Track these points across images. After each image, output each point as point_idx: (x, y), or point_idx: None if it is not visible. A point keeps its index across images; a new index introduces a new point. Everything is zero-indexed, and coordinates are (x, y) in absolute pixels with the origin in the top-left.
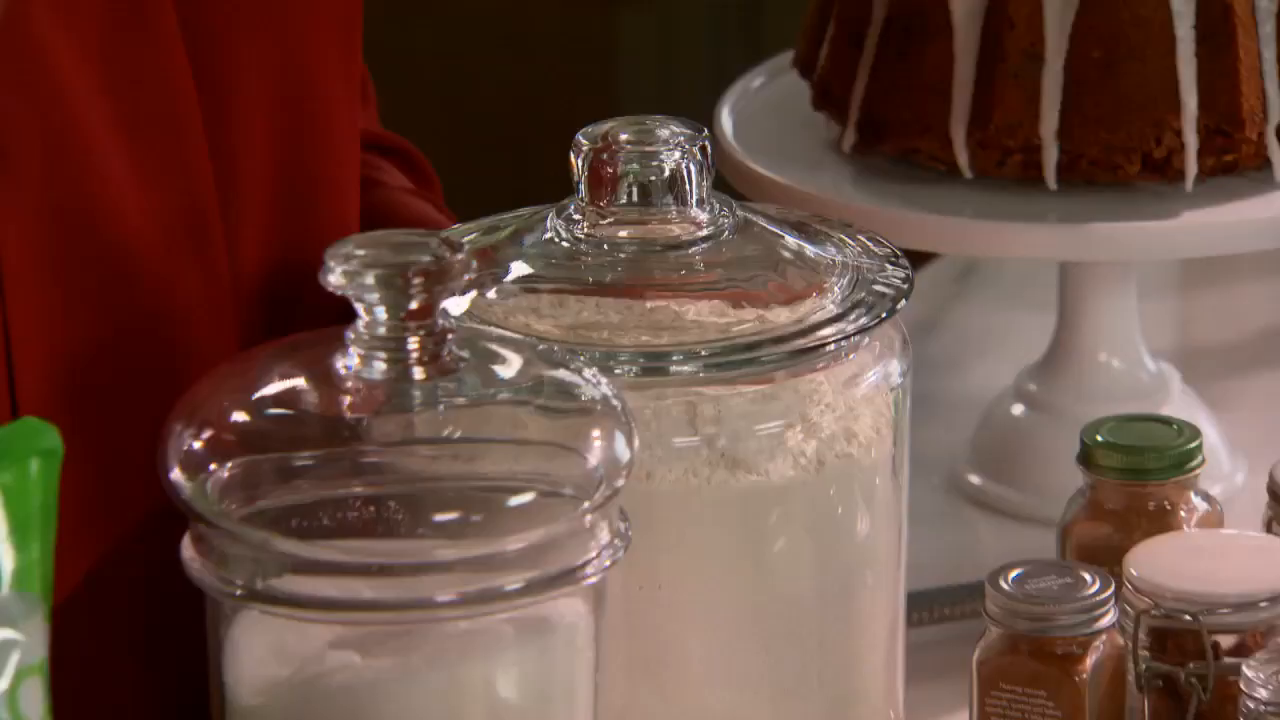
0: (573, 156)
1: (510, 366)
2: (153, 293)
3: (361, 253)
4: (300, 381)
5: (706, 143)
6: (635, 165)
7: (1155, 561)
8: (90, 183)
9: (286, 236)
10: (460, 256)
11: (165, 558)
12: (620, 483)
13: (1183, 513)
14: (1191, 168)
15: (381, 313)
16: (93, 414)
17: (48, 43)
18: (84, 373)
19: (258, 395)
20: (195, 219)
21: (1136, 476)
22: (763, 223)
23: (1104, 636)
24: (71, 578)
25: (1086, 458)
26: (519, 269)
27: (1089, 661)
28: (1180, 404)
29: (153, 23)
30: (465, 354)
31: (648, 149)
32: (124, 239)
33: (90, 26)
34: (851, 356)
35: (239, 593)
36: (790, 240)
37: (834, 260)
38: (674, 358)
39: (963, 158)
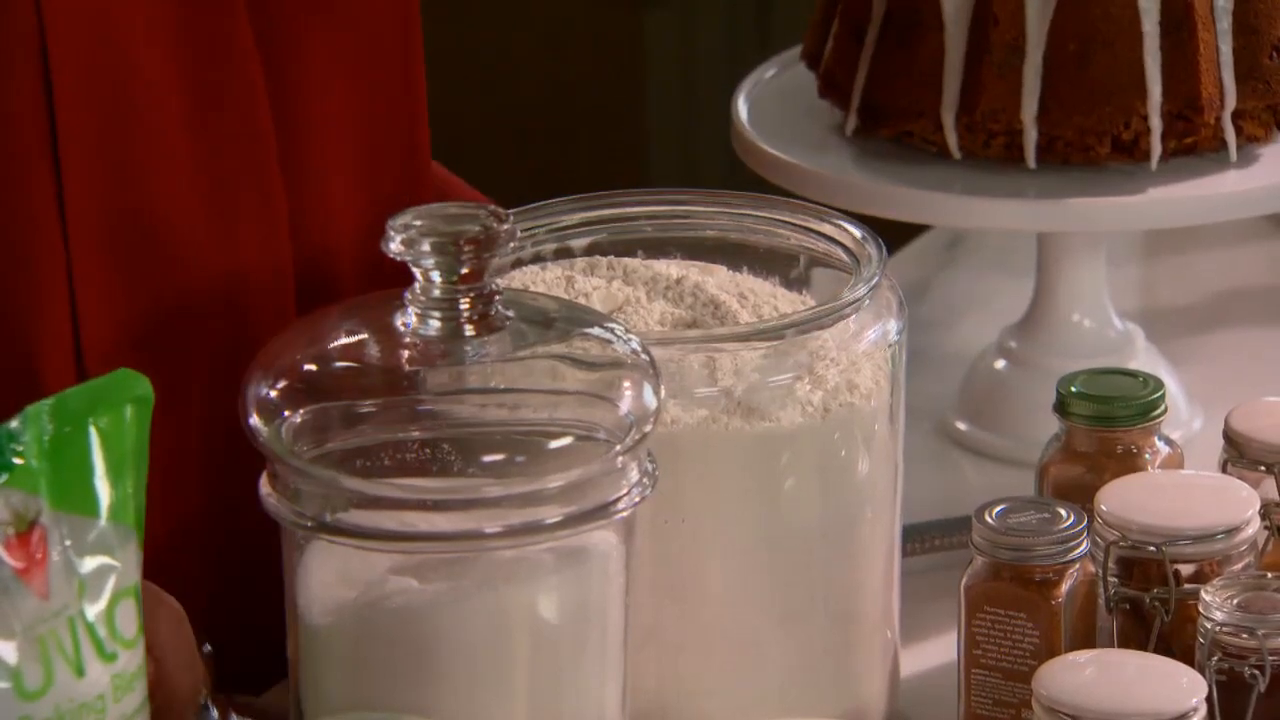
0: None
1: (550, 324)
2: (212, 259)
3: (418, 223)
4: (364, 338)
5: None
6: None
7: (1123, 498)
8: (153, 158)
9: (356, 204)
10: (506, 226)
11: (244, 494)
12: (649, 428)
13: (1147, 455)
14: (1156, 149)
15: (436, 276)
16: (161, 369)
17: (121, 25)
18: (145, 337)
19: (326, 350)
20: (257, 185)
21: (1106, 423)
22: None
23: (1077, 565)
24: (163, 511)
25: (1061, 406)
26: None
27: (1064, 587)
28: (1144, 359)
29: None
30: (510, 313)
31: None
32: (183, 211)
33: (166, 8)
34: (854, 317)
35: (310, 525)
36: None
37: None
38: (696, 318)
39: (952, 140)
